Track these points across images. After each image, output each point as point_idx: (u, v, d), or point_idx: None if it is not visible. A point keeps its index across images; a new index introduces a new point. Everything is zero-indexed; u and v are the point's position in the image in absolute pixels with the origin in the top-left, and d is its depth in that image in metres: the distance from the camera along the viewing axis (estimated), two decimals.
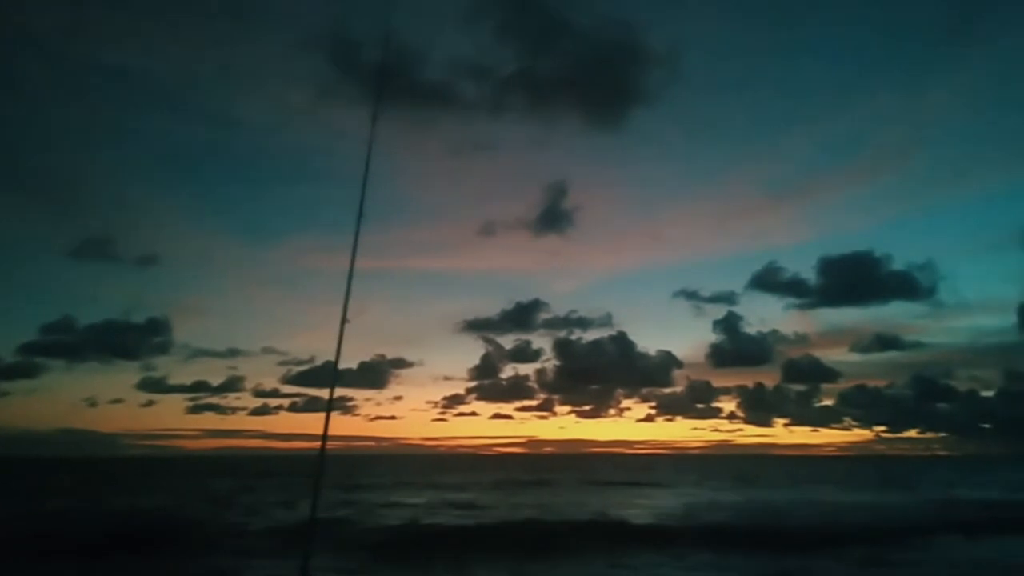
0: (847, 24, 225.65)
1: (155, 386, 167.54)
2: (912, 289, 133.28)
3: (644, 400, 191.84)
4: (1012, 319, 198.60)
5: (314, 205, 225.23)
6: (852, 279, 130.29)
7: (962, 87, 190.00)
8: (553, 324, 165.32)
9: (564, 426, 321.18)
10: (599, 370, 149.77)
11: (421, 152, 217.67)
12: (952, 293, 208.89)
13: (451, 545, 25.03)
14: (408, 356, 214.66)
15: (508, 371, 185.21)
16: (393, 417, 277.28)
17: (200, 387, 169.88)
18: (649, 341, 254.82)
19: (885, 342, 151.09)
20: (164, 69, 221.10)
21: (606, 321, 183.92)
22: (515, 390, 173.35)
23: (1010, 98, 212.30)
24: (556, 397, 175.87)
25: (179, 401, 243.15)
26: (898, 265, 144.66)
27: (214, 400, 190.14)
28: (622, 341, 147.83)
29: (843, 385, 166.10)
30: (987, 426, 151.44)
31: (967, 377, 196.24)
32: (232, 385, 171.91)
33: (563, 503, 41.47)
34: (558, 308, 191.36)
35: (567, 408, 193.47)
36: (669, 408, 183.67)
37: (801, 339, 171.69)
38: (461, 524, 30.55)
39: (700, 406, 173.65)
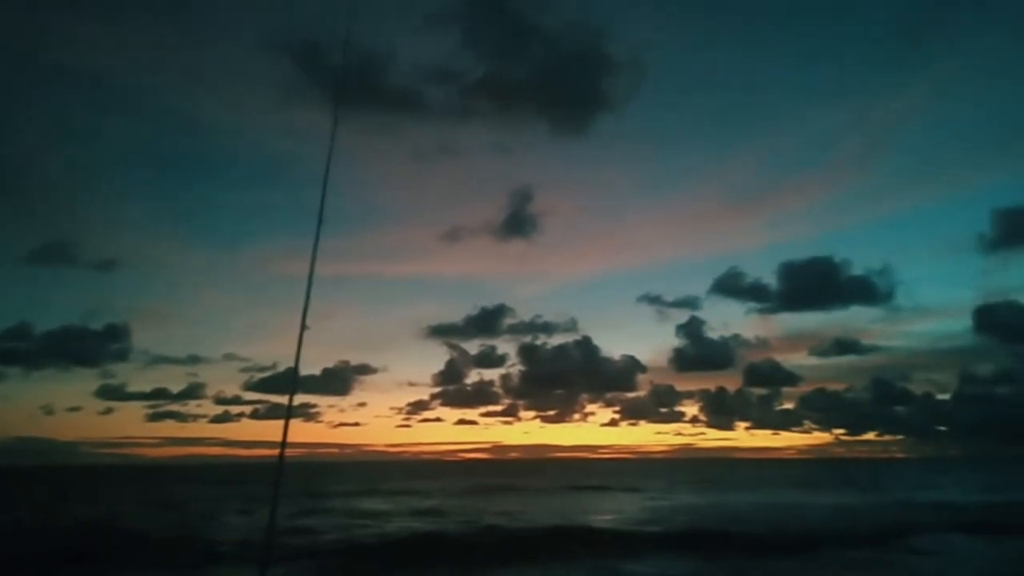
0: (807, 33, 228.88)
1: (114, 393, 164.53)
2: (870, 294, 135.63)
3: (608, 405, 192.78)
4: (967, 323, 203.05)
5: (277, 210, 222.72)
6: (812, 284, 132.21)
7: (919, 95, 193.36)
8: (518, 329, 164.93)
9: (529, 431, 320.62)
10: (564, 375, 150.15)
11: (386, 157, 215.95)
12: (909, 298, 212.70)
13: (415, 553, 24.76)
14: (372, 362, 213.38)
15: (473, 377, 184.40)
16: (357, 424, 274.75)
17: (160, 394, 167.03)
18: (613, 346, 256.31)
19: (844, 346, 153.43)
20: (124, 72, 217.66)
21: (571, 326, 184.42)
22: (480, 395, 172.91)
23: (966, 105, 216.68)
24: (521, 402, 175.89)
25: (138, 409, 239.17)
26: (857, 270, 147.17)
27: (174, 407, 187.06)
28: (586, 346, 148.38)
29: (803, 389, 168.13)
30: (943, 428, 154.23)
31: (923, 380, 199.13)
32: (193, 392, 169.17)
33: (530, 509, 41.34)
34: (523, 313, 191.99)
35: (532, 413, 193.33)
36: (633, 412, 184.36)
37: (762, 343, 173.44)
38: (426, 531, 30.33)
39: (663, 410, 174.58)
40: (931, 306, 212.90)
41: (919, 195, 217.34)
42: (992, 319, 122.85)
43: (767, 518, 35.01)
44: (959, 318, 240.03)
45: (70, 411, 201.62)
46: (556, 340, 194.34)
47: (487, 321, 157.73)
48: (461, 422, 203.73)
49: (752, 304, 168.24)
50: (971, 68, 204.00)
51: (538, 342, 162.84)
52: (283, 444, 6.56)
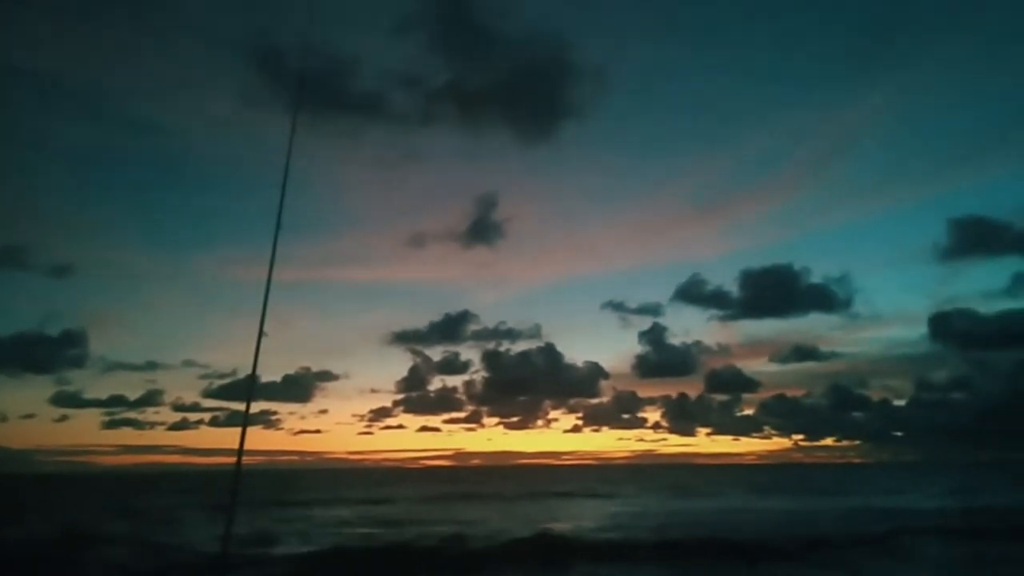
0: (767, 43, 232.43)
1: (69, 400, 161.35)
2: (829, 301, 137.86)
3: (571, 411, 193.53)
4: (923, 330, 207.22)
5: (237, 215, 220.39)
6: (772, 291, 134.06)
7: (875, 105, 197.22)
8: (482, 336, 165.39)
9: (492, 438, 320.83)
10: (527, 381, 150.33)
11: (351, 162, 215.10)
12: (867, 305, 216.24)
13: (372, 563, 24.46)
14: (334, 369, 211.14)
15: (436, 383, 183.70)
16: (318, 431, 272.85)
17: (117, 401, 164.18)
18: (577, 352, 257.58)
19: (803, 353, 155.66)
20: (82, 75, 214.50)
21: (534, 333, 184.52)
22: (443, 402, 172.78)
23: (922, 116, 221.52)
24: (484, 409, 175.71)
25: (95, 416, 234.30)
26: (816, 278, 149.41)
27: (131, 415, 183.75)
28: (550, 352, 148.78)
29: (763, 395, 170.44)
30: (899, 434, 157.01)
31: (880, 386, 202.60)
32: (150, 399, 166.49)
33: (494, 517, 41.09)
34: (487, 320, 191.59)
35: (495, 420, 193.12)
36: (596, 419, 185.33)
37: (723, 350, 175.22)
38: (386, 540, 30.02)
39: (626, 416, 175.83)
40: (888, 314, 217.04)
41: (876, 204, 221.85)
42: (947, 327, 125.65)
43: (735, 523, 35.19)
44: (915, 326, 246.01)
45: (24, 418, 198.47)
46: (520, 346, 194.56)
47: (451, 327, 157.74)
48: (424, 429, 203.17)
49: (714, 311, 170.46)
50: (927, 79, 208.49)
51: (502, 348, 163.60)
52: (240, 451, 6.44)
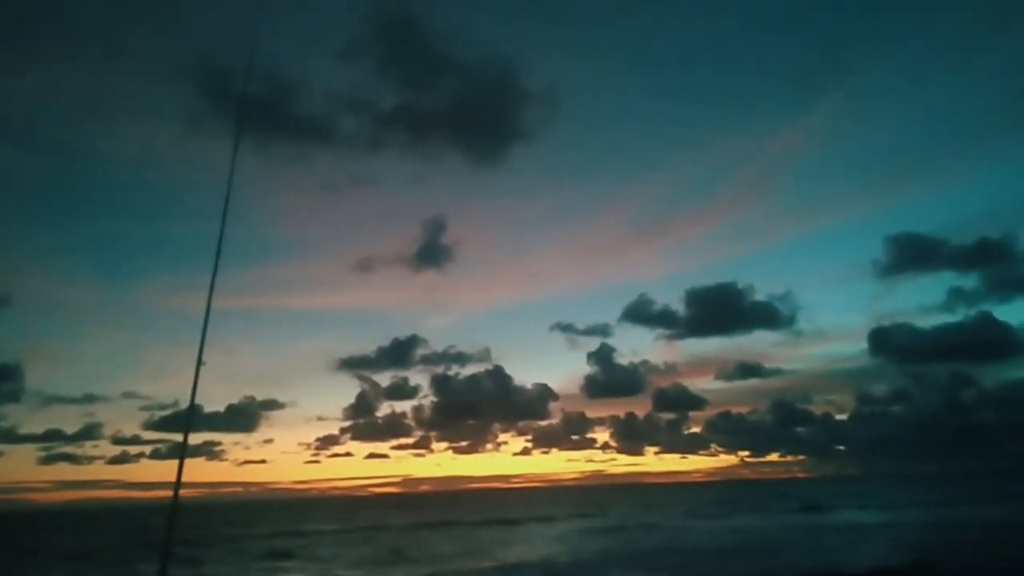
0: (709, 69, 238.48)
1: (3, 436, 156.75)
2: (773, 318, 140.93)
3: (521, 433, 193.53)
4: (863, 345, 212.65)
5: (177, 243, 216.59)
6: (717, 310, 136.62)
7: (812, 126, 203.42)
8: (431, 360, 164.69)
9: (441, 463, 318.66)
10: (476, 405, 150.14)
11: (296, 187, 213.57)
12: (809, 321, 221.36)
13: None
14: (280, 397, 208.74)
15: (384, 409, 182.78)
16: (263, 461, 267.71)
17: (53, 436, 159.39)
18: (526, 374, 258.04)
19: (747, 370, 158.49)
20: (16, 102, 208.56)
21: (484, 356, 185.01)
22: (391, 428, 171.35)
23: (857, 136, 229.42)
24: (433, 434, 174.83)
25: (30, 451, 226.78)
26: (760, 296, 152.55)
27: (69, 449, 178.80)
28: (499, 375, 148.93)
29: (709, 412, 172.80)
30: (841, 447, 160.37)
31: (823, 401, 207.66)
32: (89, 433, 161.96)
33: (448, 547, 40.11)
34: (436, 344, 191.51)
35: (444, 444, 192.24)
36: (545, 440, 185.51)
37: (670, 368, 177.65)
38: None
39: (575, 437, 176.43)
40: (829, 329, 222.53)
41: (815, 223, 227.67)
42: (886, 341, 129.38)
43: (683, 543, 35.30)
44: (855, 341, 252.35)
45: None
46: (469, 370, 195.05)
47: (399, 352, 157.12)
48: (372, 456, 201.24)
49: (661, 330, 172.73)
50: (862, 101, 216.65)
51: (451, 372, 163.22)
52: (177, 484, 6.24)
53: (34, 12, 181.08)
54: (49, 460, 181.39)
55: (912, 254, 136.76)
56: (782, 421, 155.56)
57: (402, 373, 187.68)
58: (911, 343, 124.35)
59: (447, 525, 59.22)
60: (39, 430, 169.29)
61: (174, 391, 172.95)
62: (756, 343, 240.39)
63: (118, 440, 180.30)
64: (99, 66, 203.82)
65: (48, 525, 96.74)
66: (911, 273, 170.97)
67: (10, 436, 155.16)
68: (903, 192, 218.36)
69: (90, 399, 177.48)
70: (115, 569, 33.37)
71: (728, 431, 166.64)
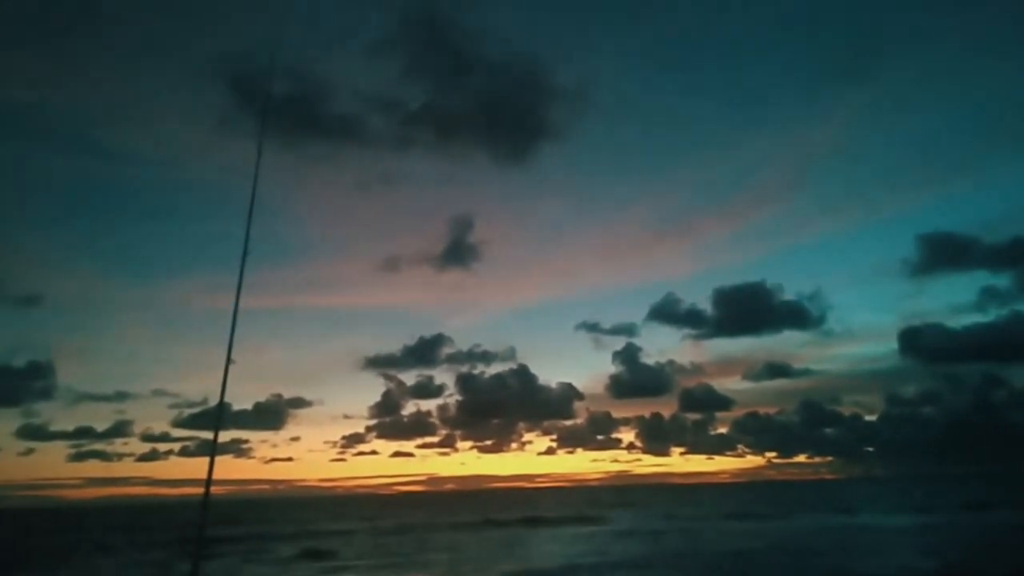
0: (737, 66, 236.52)
1: (36, 433, 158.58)
2: (802, 318, 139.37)
3: (545, 433, 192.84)
4: (893, 345, 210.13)
5: (207, 243, 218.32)
6: (745, 309, 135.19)
7: (843, 122, 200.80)
8: (456, 359, 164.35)
9: (465, 462, 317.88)
10: (501, 404, 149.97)
11: (325, 186, 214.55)
12: (838, 321, 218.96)
13: None
14: (307, 395, 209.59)
15: (410, 408, 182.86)
16: (290, 459, 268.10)
17: (84, 433, 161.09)
18: (551, 374, 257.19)
19: (775, 370, 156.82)
20: (47, 103, 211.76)
21: (509, 355, 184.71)
22: (416, 427, 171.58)
23: (889, 132, 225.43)
24: (458, 433, 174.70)
25: (61, 448, 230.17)
26: (788, 295, 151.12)
27: (99, 447, 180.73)
28: (524, 374, 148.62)
29: (736, 413, 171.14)
30: (870, 449, 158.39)
31: (851, 402, 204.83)
32: (119, 430, 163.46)
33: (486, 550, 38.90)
34: (461, 343, 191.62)
35: (469, 444, 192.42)
36: (570, 440, 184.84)
37: (697, 368, 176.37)
38: None
39: (600, 437, 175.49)
40: (858, 330, 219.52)
41: (845, 221, 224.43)
42: (916, 341, 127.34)
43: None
44: (885, 341, 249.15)
45: None
46: (494, 369, 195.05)
47: (425, 351, 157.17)
48: (397, 454, 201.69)
49: (688, 330, 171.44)
50: (893, 96, 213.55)
51: (476, 371, 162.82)
52: (208, 482, 6.30)
53: (64, 13, 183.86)
54: (80, 457, 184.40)
55: (944, 253, 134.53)
56: (810, 422, 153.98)
57: (427, 372, 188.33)
58: (942, 343, 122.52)
59: (484, 525, 58.09)
60: (70, 427, 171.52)
61: (203, 389, 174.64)
62: (784, 343, 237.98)
63: (147, 437, 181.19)
64: (129, 67, 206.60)
65: (79, 521, 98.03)
66: (942, 272, 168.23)
67: (42, 433, 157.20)
68: (935, 190, 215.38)
69: (120, 397, 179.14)
70: (149, 567, 33.57)
71: (755, 432, 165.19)
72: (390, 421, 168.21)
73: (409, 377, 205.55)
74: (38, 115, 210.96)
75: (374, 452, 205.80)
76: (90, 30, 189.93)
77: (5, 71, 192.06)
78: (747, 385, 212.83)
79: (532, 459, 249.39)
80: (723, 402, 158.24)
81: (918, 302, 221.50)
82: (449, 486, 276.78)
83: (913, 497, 77.03)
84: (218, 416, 6.49)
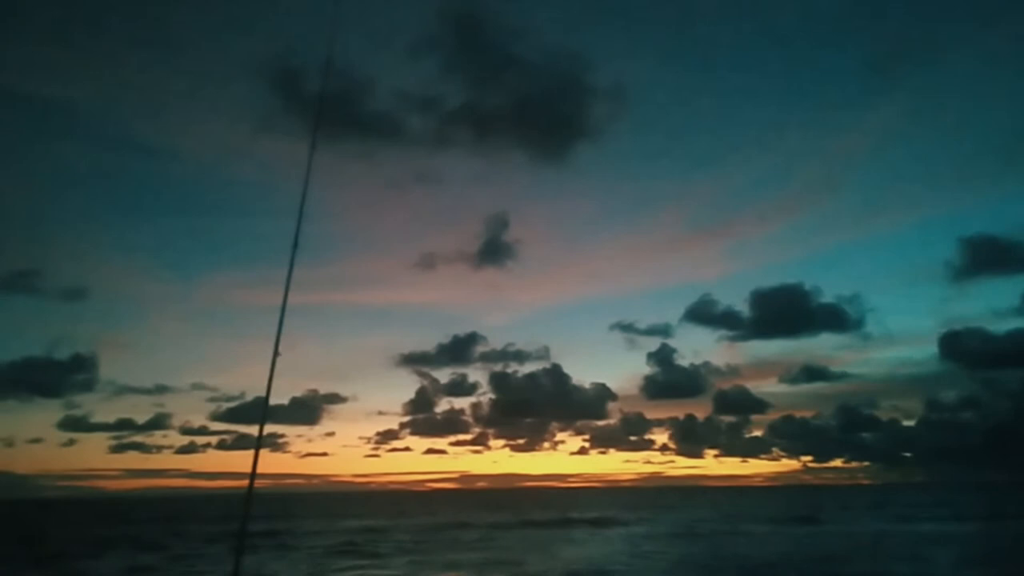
0: (774, 66, 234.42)
1: (77, 425, 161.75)
2: (840, 321, 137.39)
3: (578, 433, 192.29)
4: (933, 349, 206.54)
5: (245, 239, 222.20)
6: (783, 312, 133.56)
7: (884, 123, 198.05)
8: (490, 357, 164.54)
9: (498, 460, 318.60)
10: (534, 403, 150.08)
11: (362, 184, 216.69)
12: (878, 325, 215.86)
13: None
14: (342, 391, 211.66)
15: (443, 405, 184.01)
16: (325, 454, 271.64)
17: (124, 425, 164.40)
18: (584, 374, 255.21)
19: (812, 373, 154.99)
20: (93, 100, 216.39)
21: (543, 354, 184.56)
22: (449, 424, 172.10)
23: (931, 133, 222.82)
24: (490, 431, 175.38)
25: (102, 440, 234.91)
26: (827, 298, 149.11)
27: (139, 439, 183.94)
28: (557, 374, 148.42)
29: (772, 416, 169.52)
30: (908, 454, 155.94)
31: (889, 407, 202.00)
32: (158, 423, 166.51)
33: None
34: (495, 341, 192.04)
35: (501, 442, 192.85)
36: (603, 441, 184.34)
37: (732, 370, 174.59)
38: None
39: (633, 438, 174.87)
40: (897, 333, 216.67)
41: (885, 223, 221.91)
42: (957, 345, 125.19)
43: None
44: (925, 345, 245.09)
45: (31, 443, 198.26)
46: (527, 368, 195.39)
47: (459, 349, 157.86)
48: (430, 451, 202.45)
49: (724, 332, 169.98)
50: (936, 97, 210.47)
51: (509, 370, 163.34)
52: (252, 475, 6.30)
53: (110, 12, 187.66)
54: (120, 449, 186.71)
55: (986, 256, 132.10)
56: (847, 426, 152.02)
57: (461, 370, 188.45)
58: (983, 348, 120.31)
59: (527, 525, 56.70)
60: (111, 419, 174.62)
61: (240, 383, 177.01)
62: (822, 346, 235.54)
63: (186, 430, 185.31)
64: (174, 65, 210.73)
65: (119, 512, 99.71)
66: (985, 276, 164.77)
67: (84, 424, 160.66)
68: (977, 192, 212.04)
69: (161, 390, 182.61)
70: (191, 560, 33.95)
71: (791, 435, 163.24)
72: (423, 418, 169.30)
73: (443, 375, 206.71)
74: (82, 114, 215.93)
75: (407, 449, 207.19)
76: (136, 28, 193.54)
77: (51, 69, 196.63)
78: (783, 388, 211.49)
79: (564, 459, 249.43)
80: (758, 405, 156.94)
81: (959, 306, 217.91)
82: (481, 484, 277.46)
83: (963, 504, 75.09)
84: (264, 408, 6.48)
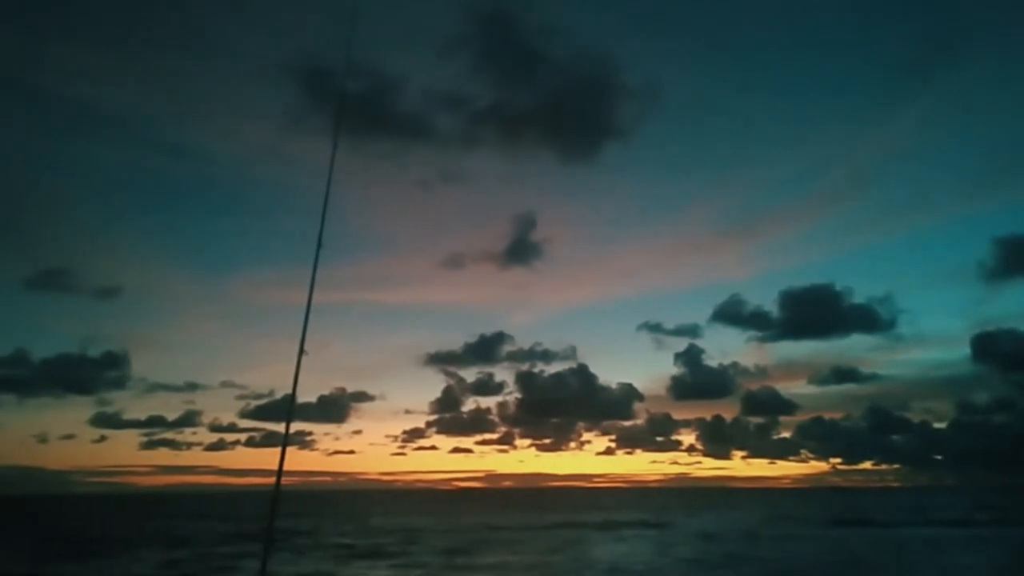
0: (804, 64, 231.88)
1: (109, 421, 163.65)
2: (872, 322, 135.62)
3: (604, 433, 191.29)
4: (965, 351, 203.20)
5: (274, 238, 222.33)
6: (813, 312, 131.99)
7: (916, 121, 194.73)
8: (516, 357, 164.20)
9: (524, 460, 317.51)
10: (561, 403, 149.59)
11: (390, 183, 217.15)
12: (909, 326, 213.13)
13: None
14: (369, 390, 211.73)
15: (469, 404, 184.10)
16: (352, 452, 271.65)
17: (155, 422, 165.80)
18: (611, 374, 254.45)
19: (842, 374, 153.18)
20: (124, 101, 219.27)
21: (570, 354, 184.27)
22: (476, 423, 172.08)
23: (960, 132, 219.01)
24: (516, 430, 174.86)
25: (133, 436, 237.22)
26: (858, 298, 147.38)
27: (169, 435, 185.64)
28: (584, 374, 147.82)
29: (800, 417, 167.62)
30: (939, 457, 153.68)
31: (920, 409, 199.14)
32: (188, 420, 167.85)
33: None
34: (522, 341, 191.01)
35: (527, 441, 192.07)
36: (629, 441, 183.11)
37: (761, 371, 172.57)
38: None
39: (660, 439, 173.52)
40: (929, 334, 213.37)
41: (917, 222, 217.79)
42: (990, 347, 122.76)
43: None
44: (957, 346, 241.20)
45: (63, 439, 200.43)
46: (554, 368, 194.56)
47: (485, 349, 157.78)
48: (456, 450, 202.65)
49: (753, 332, 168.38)
50: (968, 94, 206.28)
51: (536, 370, 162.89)
52: (279, 472, 6.33)
53: (139, 14, 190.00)
54: (150, 445, 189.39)
55: (1020, 256, 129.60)
56: (877, 428, 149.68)
57: (488, 369, 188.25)
58: (1017, 350, 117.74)
59: (568, 527, 54.54)
60: (142, 416, 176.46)
61: (269, 381, 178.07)
62: (852, 347, 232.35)
63: (215, 428, 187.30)
64: (203, 66, 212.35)
65: (150, 508, 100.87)
66: (1019, 276, 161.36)
67: (115, 421, 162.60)
68: (1011, 191, 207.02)
69: (191, 387, 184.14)
70: (219, 558, 34.24)
71: (820, 437, 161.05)
72: (450, 417, 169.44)
73: (469, 374, 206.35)
74: (114, 115, 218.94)
75: (434, 447, 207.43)
76: (164, 30, 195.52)
77: (83, 73, 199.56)
78: (812, 389, 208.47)
79: (590, 459, 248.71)
80: (787, 406, 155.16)
81: (992, 307, 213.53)
82: (506, 484, 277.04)
83: (1010, 508, 73.42)
84: (290, 406, 6.50)
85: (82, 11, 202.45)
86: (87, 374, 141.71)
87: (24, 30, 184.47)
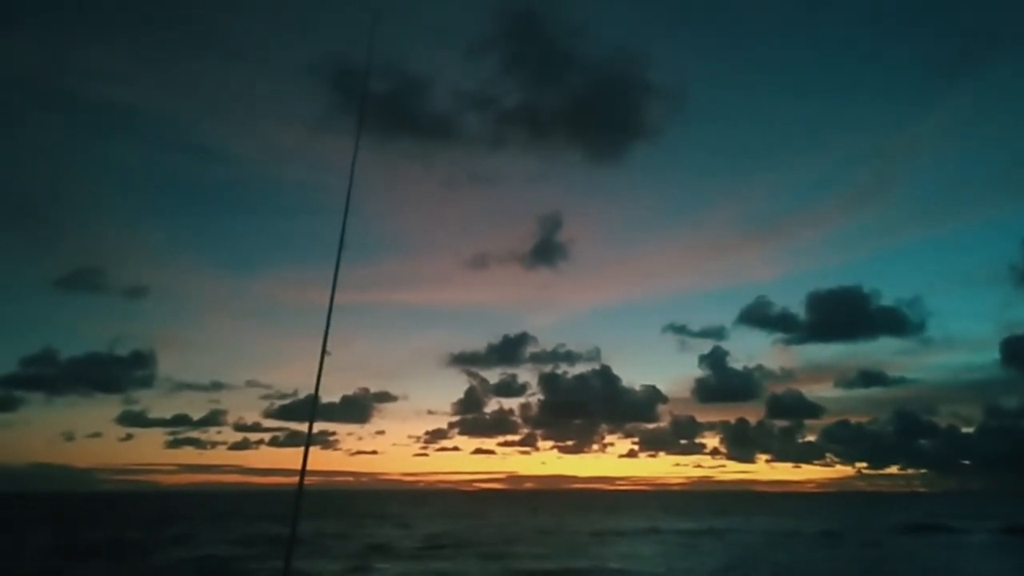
0: (831, 66, 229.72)
1: (135, 420, 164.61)
2: (901, 325, 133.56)
3: (627, 435, 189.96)
4: (994, 355, 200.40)
5: (299, 238, 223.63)
6: (840, 314, 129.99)
7: (944, 121, 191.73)
8: (540, 358, 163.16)
9: (546, 462, 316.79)
10: (583, 405, 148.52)
11: (416, 184, 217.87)
12: (938, 329, 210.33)
13: None
14: (392, 390, 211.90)
15: (492, 405, 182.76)
16: (374, 452, 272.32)
17: (180, 421, 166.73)
18: (635, 376, 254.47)
19: (869, 378, 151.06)
20: (151, 102, 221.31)
21: (594, 355, 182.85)
22: (498, 424, 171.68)
23: (990, 134, 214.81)
24: (539, 432, 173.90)
25: (158, 435, 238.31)
26: (886, 301, 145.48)
27: (194, 434, 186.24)
28: (607, 375, 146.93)
29: (826, 421, 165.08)
30: (966, 462, 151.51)
31: (948, 413, 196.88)
32: (213, 419, 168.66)
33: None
34: (546, 342, 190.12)
35: (550, 443, 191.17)
36: (652, 443, 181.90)
37: (786, 374, 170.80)
38: None
39: (683, 442, 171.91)
40: (958, 337, 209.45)
41: (946, 224, 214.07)
42: (1020, 351, 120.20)
43: None
44: (986, 350, 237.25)
45: (90, 437, 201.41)
46: (577, 369, 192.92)
47: (509, 349, 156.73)
48: (478, 451, 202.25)
49: (779, 334, 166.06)
50: (997, 94, 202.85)
51: (559, 371, 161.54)
52: (303, 472, 6.35)
53: (163, 13, 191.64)
54: (175, 444, 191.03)
55: None
56: (904, 432, 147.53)
57: (511, 370, 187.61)
58: None
59: (609, 534, 52.67)
60: (168, 415, 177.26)
61: (293, 381, 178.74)
62: (880, 350, 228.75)
63: (239, 427, 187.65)
64: (228, 67, 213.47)
65: (174, 507, 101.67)
66: None
67: (141, 420, 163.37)
68: None
69: (216, 386, 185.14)
70: (243, 560, 34.41)
71: (845, 441, 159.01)
72: (472, 418, 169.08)
73: (492, 375, 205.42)
74: (142, 114, 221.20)
75: (456, 448, 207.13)
76: (189, 30, 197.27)
77: (112, 72, 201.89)
78: (839, 392, 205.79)
79: (613, 461, 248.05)
80: (813, 409, 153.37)
81: (1023, 310, 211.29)
82: (528, 485, 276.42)
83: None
84: (313, 406, 6.52)
85: (110, 13, 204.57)
86: (114, 373, 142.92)
87: (54, 33, 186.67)
